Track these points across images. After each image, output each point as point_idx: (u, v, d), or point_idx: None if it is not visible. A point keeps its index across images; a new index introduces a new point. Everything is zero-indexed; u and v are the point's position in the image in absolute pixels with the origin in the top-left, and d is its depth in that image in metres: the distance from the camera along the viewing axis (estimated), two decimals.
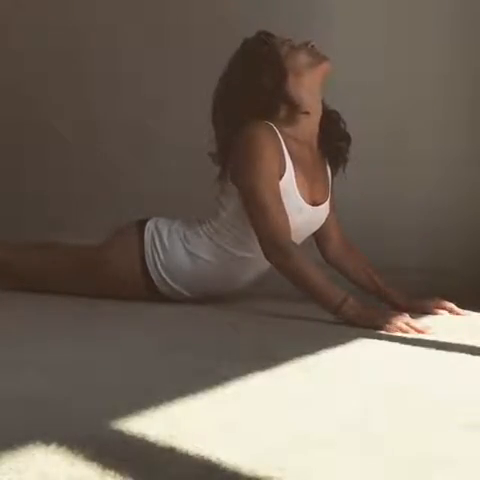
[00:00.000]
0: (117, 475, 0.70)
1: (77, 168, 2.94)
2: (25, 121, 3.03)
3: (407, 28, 2.45)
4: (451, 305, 1.83)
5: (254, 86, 1.80)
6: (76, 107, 2.95)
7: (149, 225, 1.95)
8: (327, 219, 1.96)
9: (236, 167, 1.81)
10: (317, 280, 1.66)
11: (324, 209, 1.93)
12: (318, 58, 1.83)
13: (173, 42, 2.75)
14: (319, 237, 2.01)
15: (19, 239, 2.22)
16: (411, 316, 1.58)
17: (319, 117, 1.87)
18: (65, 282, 2.03)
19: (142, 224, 1.96)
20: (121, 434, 0.82)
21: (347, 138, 1.94)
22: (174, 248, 1.91)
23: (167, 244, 1.91)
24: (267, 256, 1.75)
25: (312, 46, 1.84)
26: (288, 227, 1.74)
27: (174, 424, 0.86)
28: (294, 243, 1.75)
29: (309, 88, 1.83)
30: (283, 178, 1.78)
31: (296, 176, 1.81)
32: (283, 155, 1.79)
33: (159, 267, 1.91)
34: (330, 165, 1.97)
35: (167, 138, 2.75)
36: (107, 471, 0.71)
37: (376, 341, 1.43)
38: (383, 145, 2.46)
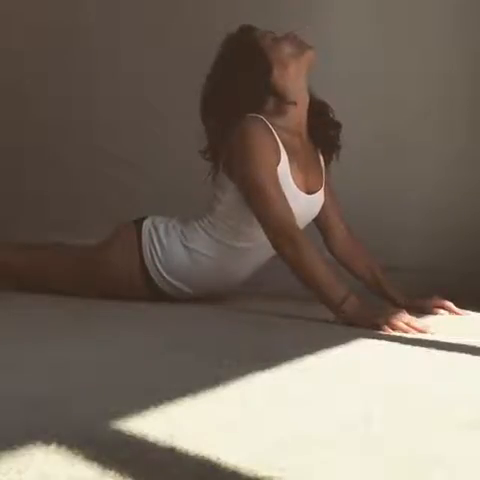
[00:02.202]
0: (117, 475, 0.70)
1: (77, 168, 2.94)
2: (25, 121, 3.03)
3: (407, 27, 2.44)
4: (451, 305, 1.83)
5: (240, 81, 1.81)
6: (76, 107, 2.95)
7: (146, 223, 1.95)
8: (331, 213, 1.98)
9: (233, 163, 1.81)
10: (322, 277, 1.64)
11: (319, 197, 1.94)
12: (302, 47, 1.84)
13: (173, 42, 2.74)
14: (325, 231, 2.02)
15: (19, 239, 2.21)
16: (411, 315, 1.59)
17: (306, 106, 1.88)
18: (65, 282, 2.03)
19: (139, 223, 1.97)
20: (121, 434, 0.82)
21: (337, 126, 1.95)
22: (172, 245, 1.91)
23: (165, 241, 1.91)
24: (276, 247, 1.74)
25: (294, 36, 1.84)
26: (293, 215, 1.74)
27: (174, 424, 0.86)
28: (302, 232, 1.74)
29: (295, 78, 1.83)
30: (278, 168, 1.79)
31: (290, 166, 1.82)
32: (278, 146, 1.79)
33: (158, 265, 1.91)
34: (323, 154, 1.98)
35: (167, 138, 2.75)
36: (107, 471, 0.70)
37: (376, 341, 1.43)
38: (383, 144, 2.46)
